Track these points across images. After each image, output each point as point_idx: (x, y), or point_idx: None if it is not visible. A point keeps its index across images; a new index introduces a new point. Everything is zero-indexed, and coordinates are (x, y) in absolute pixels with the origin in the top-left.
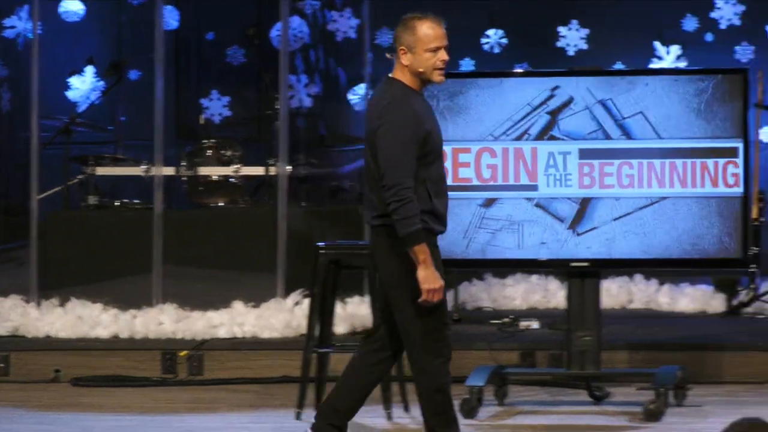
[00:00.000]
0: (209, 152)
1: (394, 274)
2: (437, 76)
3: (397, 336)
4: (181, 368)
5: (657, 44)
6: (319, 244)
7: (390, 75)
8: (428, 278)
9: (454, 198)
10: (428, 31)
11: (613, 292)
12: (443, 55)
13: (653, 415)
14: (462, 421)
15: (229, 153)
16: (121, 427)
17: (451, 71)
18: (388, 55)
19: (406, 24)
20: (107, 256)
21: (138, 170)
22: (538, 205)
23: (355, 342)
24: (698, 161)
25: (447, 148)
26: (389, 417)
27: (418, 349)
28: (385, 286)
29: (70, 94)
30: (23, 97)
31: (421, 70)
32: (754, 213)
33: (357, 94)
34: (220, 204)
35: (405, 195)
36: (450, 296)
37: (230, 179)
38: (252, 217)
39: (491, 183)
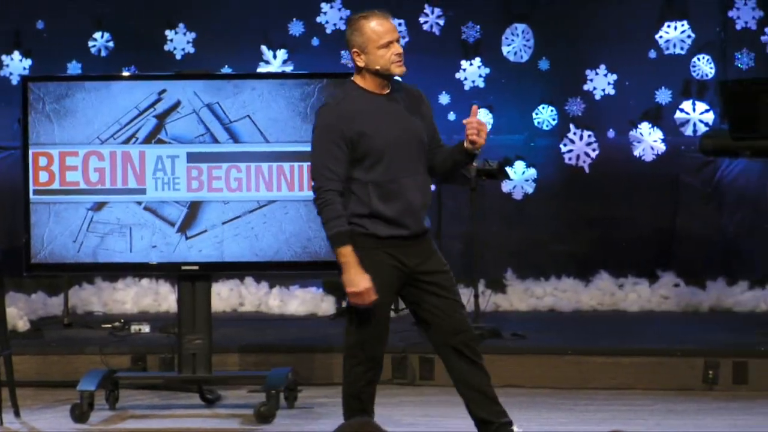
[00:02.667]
0: None
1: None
2: (397, 68)
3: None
4: None
5: (264, 48)
6: None
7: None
8: (348, 281)
9: (63, 202)
10: (377, 27)
11: (224, 296)
12: (397, 48)
13: (265, 417)
14: (73, 426)
15: None
16: None
17: (56, 74)
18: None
19: (353, 26)
20: None
21: None
22: (147, 209)
23: None
24: (305, 164)
25: (54, 152)
26: (0, 422)
27: (345, 353)
28: None
29: None
30: None
31: (377, 67)
32: None
33: None
34: None
35: (326, 197)
36: (60, 300)
37: None
38: None
39: (99, 186)
